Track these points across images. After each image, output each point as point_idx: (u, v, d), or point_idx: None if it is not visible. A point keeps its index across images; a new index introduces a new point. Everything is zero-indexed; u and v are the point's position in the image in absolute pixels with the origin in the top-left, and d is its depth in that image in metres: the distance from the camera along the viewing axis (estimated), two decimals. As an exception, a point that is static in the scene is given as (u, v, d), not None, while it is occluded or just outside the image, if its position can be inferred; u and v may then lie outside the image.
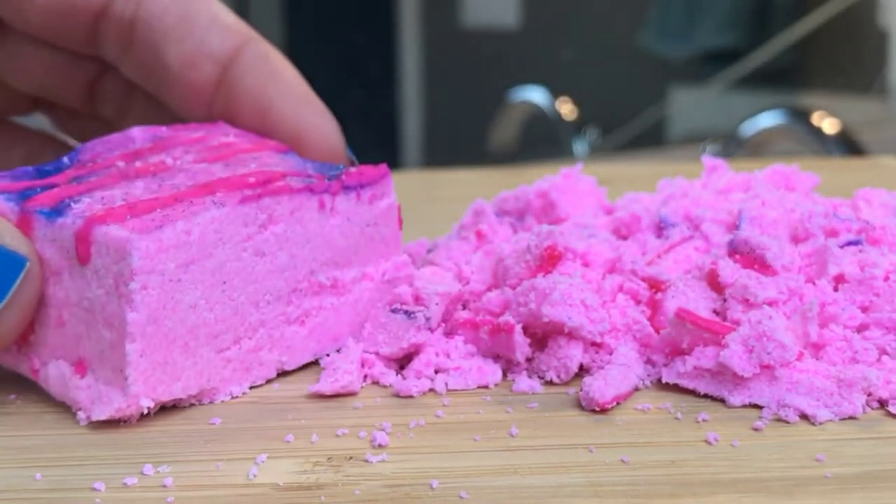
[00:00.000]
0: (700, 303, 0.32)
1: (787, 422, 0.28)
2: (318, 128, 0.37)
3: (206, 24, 0.37)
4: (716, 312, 0.32)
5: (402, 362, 0.33)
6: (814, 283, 0.33)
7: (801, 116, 0.93)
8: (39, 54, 0.38)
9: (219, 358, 0.30)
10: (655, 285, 0.33)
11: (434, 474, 0.26)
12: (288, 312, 0.32)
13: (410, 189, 0.62)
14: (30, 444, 0.28)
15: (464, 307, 0.35)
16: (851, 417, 0.28)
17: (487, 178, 0.65)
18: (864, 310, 0.32)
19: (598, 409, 0.29)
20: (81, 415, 0.29)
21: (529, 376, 0.32)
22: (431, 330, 0.33)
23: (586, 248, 0.34)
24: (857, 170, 0.65)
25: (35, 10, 0.36)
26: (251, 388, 0.32)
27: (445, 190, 0.62)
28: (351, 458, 0.27)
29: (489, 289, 0.35)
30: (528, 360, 0.32)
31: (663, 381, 0.31)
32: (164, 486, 0.25)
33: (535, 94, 1.53)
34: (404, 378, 0.32)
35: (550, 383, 0.32)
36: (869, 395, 0.29)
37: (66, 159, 0.33)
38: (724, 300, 0.32)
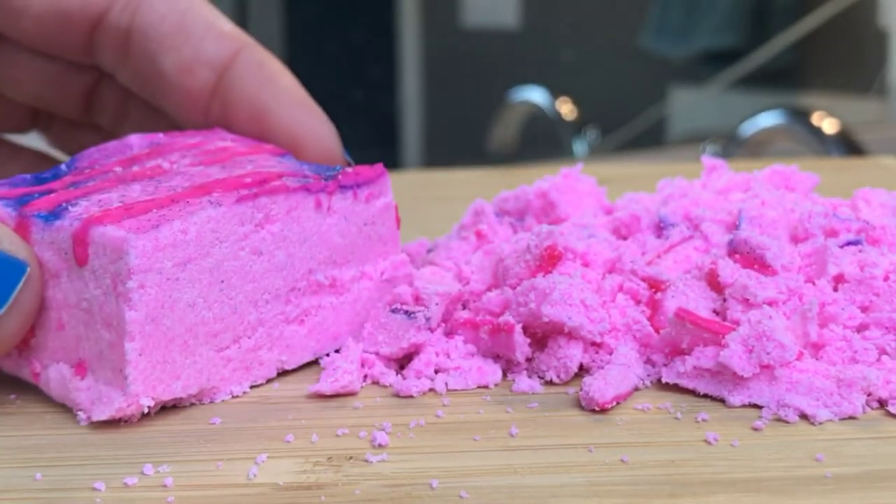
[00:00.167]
0: (700, 303, 0.32)
1: (787, 422, 0.28)
2: (315, 131, 0.37)
3: (202, 31, 0.37)
4: (716, 312, 0.32)
5: (402, 362, 0.33)
6: (813, 283, 0.33)
7: (800, 116, 0.93)
8: (35, 63, 0.38)
9: (218, 357, 0.30)
10: (655, 285, 0.33)
11: (434, 474, 0.26)
12: (287, 311, 0.32)
13: (410, 189, 0.62)
14: (30, 444, 0.28)
15: (464, 307, 0.35)
16: (851, 417, 0.28)
17: (487, 178, 0.65)
18: (864, 310, 0.32)
19: (597, 408, 0.29)
20: (82, 415, 0.29)
21: (529, 376, 0.32)
22: (431, 330, 0.33)
23: (586, 248, 0.34)
24: (856, 170, 0.65)
25: (31, 19, 0.36)
26: (252, 387, 0.32)
27: (445, 190, 0.62)
28: (351, 457, 0.27)
29: (489, 289, 0.35)
30: (528, 360, 0.32)
31: (663, 380, 0.31)
32: (165, 486, 0.25)
33: (535, 94, 1.53)
34: (404, 378, 0.32)
35: (550, 383, 0.32)
36: (869, 394, 0.29)
37: (63, 167, 0.34)
38: (724, 300, 0.32)
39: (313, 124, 0.37)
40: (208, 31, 0.37)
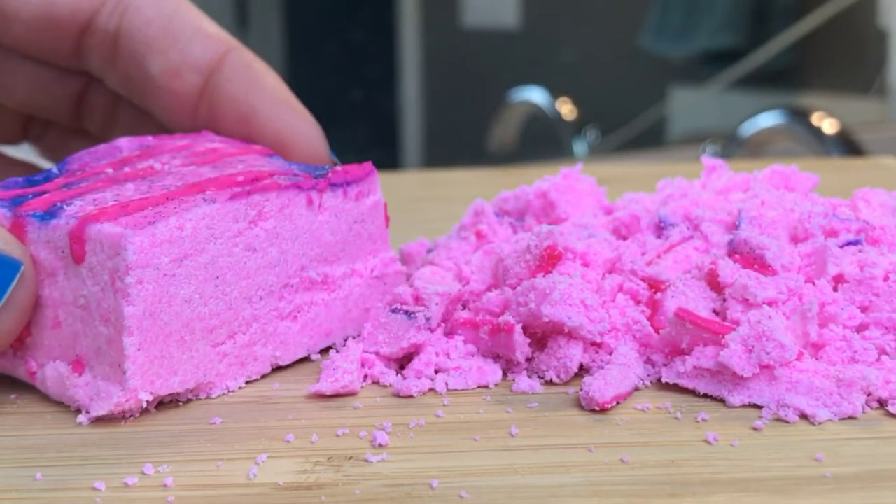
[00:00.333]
0: (700, 303, 0.32)
1: (787, 421, 0.28)
2: (302, 132, 0.37)
3: (189, 34, 0.37)
4: (715, 312, 0.32)
5: (402, 362, 0.33)
6: (813, 283, 0.33)
7: (800, 116, 0.93)
8: (25, 69, 0.39)
9: (214, 352, 0.31)
10: (655, 285, 0.33)
11: (434, 474, 0.26)
12: (280, 308, 0.32)
13: (410, 189, 0.62)
14: (30, 443, 0.28)
15: (464, 307, 0.35)
16: (851, 417, 0.28)
17: (487, 178, 0.65)
18: (864, 310, 0.32)
19: (597, 408, 0.29)
20: (82, 417, 0.29)
21: (529, 376, 0.32)
22: (431, 330, 0.33)
23: (586, 248, 0.34)
24: (856, 170, 0.65)
25: (21, 24, 0.36)
26: (250, 385, 0.32)
27: (445, 190, 0.62)
28: (351, 457, 0.27)
29: (489, 289, 0.35)
30: (528, 360, 0.32)
31: (663, 380, 0.31)
32: (165, 486, 0.25)
33: (535, 94, 1.53)
34: (404, 378, 0.32)
35: (550, 383, 0.32)
36: (868, 394, 0.29)
37: (54, 169, 0.34)
38: (724, 300, 0.32)
39: (300, 125, 0.37)
40: (195, 34, 0.37)
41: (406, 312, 0.33)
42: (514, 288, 0.33)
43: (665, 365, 0.31)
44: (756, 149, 0.94)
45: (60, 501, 0.25)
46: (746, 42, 1.76)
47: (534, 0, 2.29)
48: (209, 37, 0.37)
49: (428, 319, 0.33)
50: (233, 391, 0.31)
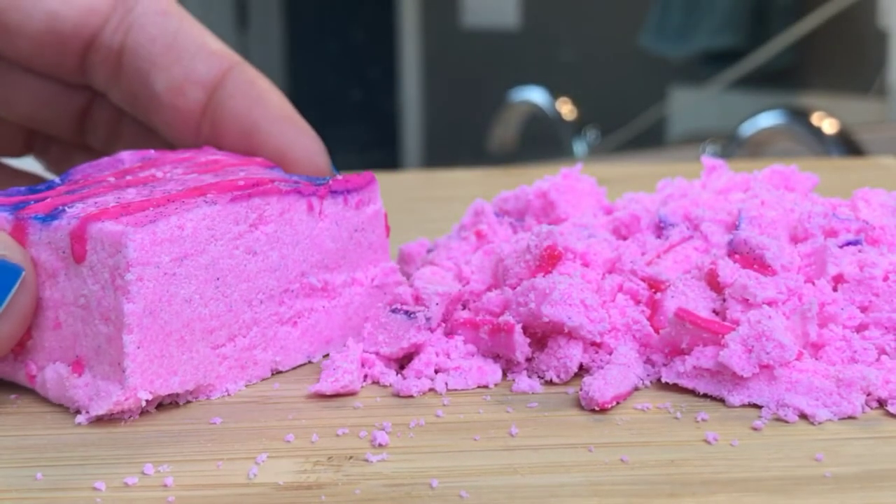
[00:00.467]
0: (700, 303, 0.32)
1: (787, 421, 0.28)
2: (304, 148, 0.38)
3: (193, 50, 0.37)
4: (715, 312, 0.32)
5: (403, 362, 0.33)
6: (813, 283, 0.33)
7: (800, 116, 0.93)
8: (30, 83, 0.39)
9: (214, 354, 0.31)
10: (655, 285, 0.33)
11: (434, 474, 0.26)
12: (280, 312, 0.32)
13: (410, 189, 0.62)
14: (30, 443, 0.28)
15: (464, 307, 0.35)
16: (850, 417, 0.29)
17: (487, 178, 0.65)
18: (864, 310, 0.32)
19: (597, 408, 0.29)
20: (80, 417, 0.29)
21: (529, 376, 0.32)
22: (431, 330, 0.33)
23: (586, 248, 0.34)
24: (856, 170, 0.66)
25: (26, 39, 0.36)
26: (252, 387, 0.32)
27: (445, 190, 0.62)
28: (351, 457, 0.27)
29: (489, 289, 0.35)
30: (528, 359, 0.32)
31: (663, 380, 0.31)
32: (165, 486, 0.26)
33: (535, 94, 1.53)
34: (404, 378, 0.32)
35: (550, 383, 0.32)
36: (868, 394, 0.29)
37: (57, 180, 0.34)
38: (724, 300, 0.32)
39: (302, 141, 0.38)
40: (199, 50, 0.37)
41: (406, 312, 0.33)
42: (514, 288, 0.33)
43: (665, 365, 0.31)
44: (756, 149, 0.94)
45: (60, 501, 0.25)
46: (746, 42, 1.76)
47: (534, 0, 2.29)
48: (213, 53, 0.38)
49: (428, 319, 0.33)
50: (233, 395, 0.31)
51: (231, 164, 0.35)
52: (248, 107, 0.37)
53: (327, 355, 0.34)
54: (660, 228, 0.37)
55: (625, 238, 0.37)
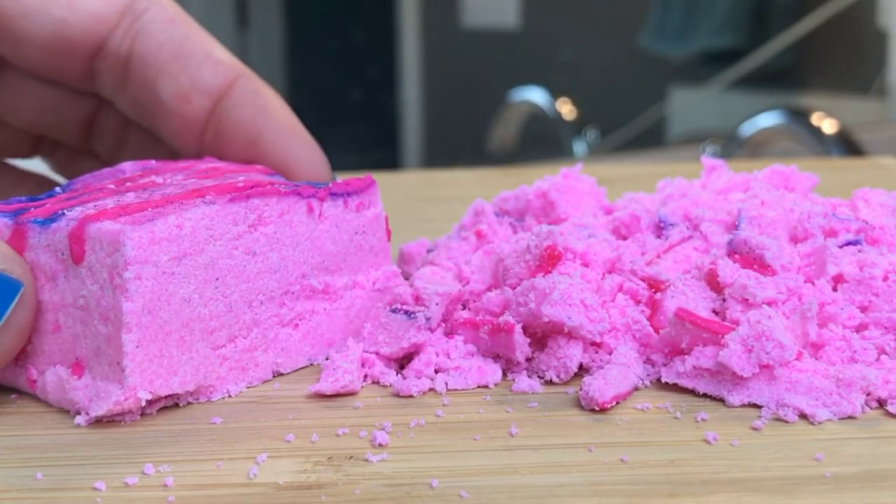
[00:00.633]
0: (699, 303, 0.32)
1: (786, 421, 0.28)
2: (306, 158, 0.38)
3: (199, 59, 0.38)
4: (715, 312, 0.32)
5: (403, 362, 0.33)
6: (813, 283, 0.33)
7: (800, 116, 0.93)
8: (37, 90, 0.39)
9: (214, 355, 0.31)
10: (655, 285, 0.33)
11: (434, 474, 0.26)
12: (281, 314, 0.32)
13: (410, 189, 0.62)
14: (30, 443, 0.28)
15: (464, 307, 0.35)
16: (850, 417, 0.29)
17: (487, 178, 0.65)
18: (863, 309, 0.32)
19: (597, 408, 0.29)
20: (80, 418, 0.29)
21: (529, 376, 0.32)
22: (431, 330, 0.33)
23: (586, 248, 0.34)
24: (856, 170, 0.66)
25: (34, 46, 0.37)
26: (250, 387, 0.32)
27: (445, 190, 0.62)
28: (351, 457, 0.27)
29: (489, 289, 0.35)
30: (528, 359, 0.32)
31: (663, 380, 0.31)
32: (165, 486, 0.26)
33: (535, 94, 1.53)
34: (404, 378, 0.32)
35: (550, 383, 0.32)
36: (868, 394, 0.29)
37: (58, 189, 0.34)
38: (724, 300, 0.32)
39: (305, 152, 0.38)
40: (205, 59, 0.38)
41: (406, 312, 0.33)
42: (514, 288, 0.33)
43: (665, 365, 0.31)
44: (756, 149, 0.94)
45: (60, 501, 0.25)
46: (746, 42, 1.76)
47: (534, 0, 2.29)
48: (219, 63, 0.38)
49: (428, 319, 0.33)
50: (234, 396, 0.31)
51: (231, 171, 0.35)
52: (253, 117, 0.37)
53: (328, 357, 0.34)
54: (660, 228, 0.37)
55: (625, 238, 0.37)
